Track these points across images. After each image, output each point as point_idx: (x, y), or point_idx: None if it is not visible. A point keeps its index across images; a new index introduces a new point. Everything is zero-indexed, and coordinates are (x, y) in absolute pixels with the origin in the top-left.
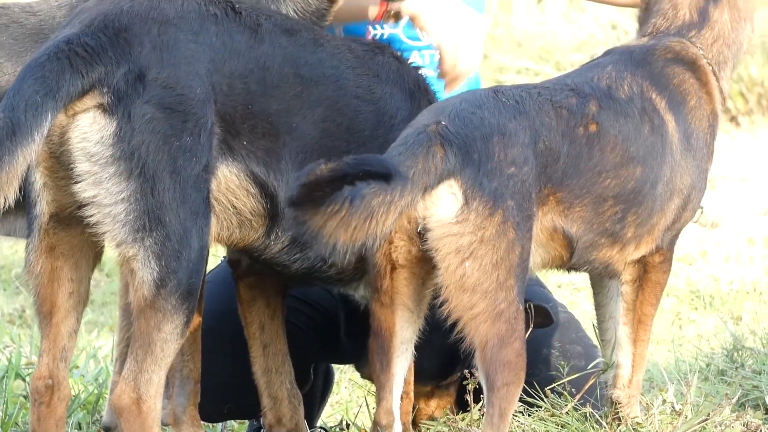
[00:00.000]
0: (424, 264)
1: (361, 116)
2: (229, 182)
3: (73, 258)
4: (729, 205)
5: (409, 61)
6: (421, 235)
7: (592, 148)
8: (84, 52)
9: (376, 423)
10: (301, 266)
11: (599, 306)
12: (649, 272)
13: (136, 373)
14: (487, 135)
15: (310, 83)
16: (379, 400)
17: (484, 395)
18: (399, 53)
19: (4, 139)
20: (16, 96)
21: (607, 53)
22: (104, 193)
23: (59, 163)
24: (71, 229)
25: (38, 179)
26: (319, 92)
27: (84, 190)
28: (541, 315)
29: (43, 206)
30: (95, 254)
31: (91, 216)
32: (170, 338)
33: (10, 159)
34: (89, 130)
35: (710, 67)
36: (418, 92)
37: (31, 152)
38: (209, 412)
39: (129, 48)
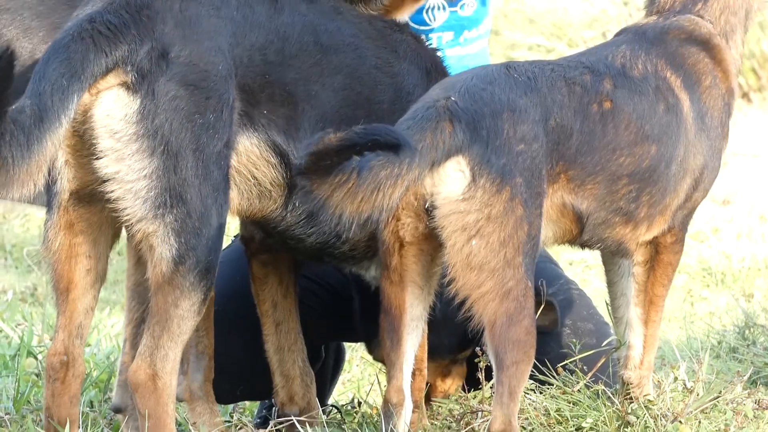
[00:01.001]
0: (432, 241)
1: (380, 87)
2: (250, 153)
3: (91, 235)
4: (741, 181)
5: (427, 42)
6: (428, 212)
7: (606, 126)
8: (107, 31)
9: (386, 401)
10: (316, 240)
11: (611, 283)
12: (661, 253)
13: (152, 349)
14: (497, 111)
15: (329, 51)
16: (389, 379)
17: (494, 374)
18: (417, 34)
19: (32, 128)
20: (42, 81)
21: (621, 33)
22: (126, 169)
23: (82, 141)
24: (91, 207)
25: (60, 157)
26: (338, 60)
27: (106, 165)
28: (549, 317)
29: (63, 183)
30: (114, 232)
31: (112, 191)
32: (187, 315)
33: (39, 147)
34: (113, 107)
35: (723, 42)
36: (435, 72)
37: (59, 136)
38: (222, 394)
39: (152, 25)
